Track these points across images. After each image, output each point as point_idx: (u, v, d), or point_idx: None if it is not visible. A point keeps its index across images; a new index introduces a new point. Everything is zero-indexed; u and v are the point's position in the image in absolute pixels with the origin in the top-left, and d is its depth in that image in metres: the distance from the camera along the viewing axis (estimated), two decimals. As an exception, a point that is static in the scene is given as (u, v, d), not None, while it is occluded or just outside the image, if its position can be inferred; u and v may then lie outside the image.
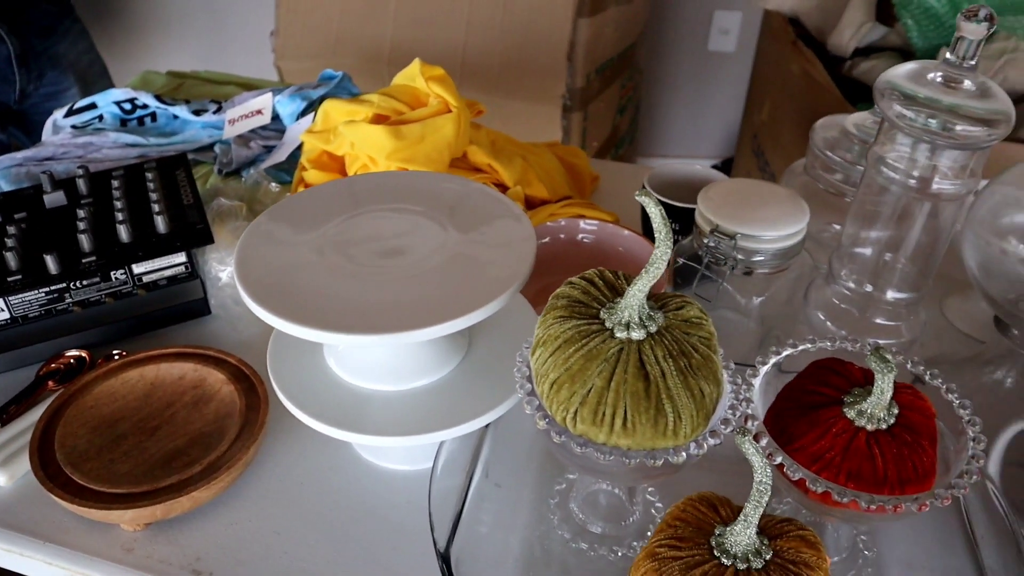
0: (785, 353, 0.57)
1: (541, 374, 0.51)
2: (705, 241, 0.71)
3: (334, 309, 0.56)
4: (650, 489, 0.65)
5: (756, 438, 0.52)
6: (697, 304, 0.53)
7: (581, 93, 1.56)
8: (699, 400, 0.49)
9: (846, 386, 0.52)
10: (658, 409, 0.48)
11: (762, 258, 0.70)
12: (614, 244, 0.85)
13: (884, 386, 0.49)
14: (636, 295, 0.49)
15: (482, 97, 1.57)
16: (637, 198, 0.48)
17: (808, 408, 0.52)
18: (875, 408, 0.50)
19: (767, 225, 0.70)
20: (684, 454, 0.49)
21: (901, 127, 0.62)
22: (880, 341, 0.73)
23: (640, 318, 0.50)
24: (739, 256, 0.70)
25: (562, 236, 0.85)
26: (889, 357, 0.48)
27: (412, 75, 0.92)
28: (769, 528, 0.52)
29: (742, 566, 0.49)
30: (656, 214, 0.48)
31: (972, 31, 0.59)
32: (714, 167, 1.07)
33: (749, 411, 0.53)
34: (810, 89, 1.27)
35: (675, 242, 0.79)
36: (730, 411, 0.52)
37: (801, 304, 0.76)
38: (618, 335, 0.49)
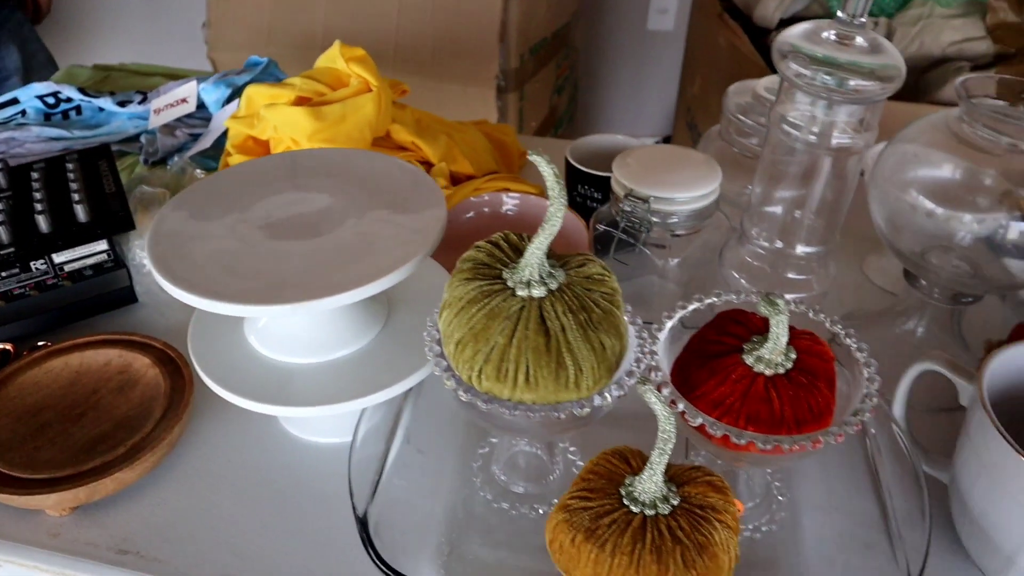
0: (691, 307, 0.59)
1: (447, 335, 0.52)
2: (621, 206, 0.73)
3: (246, 284, 0.57)
4: (571, 448, 0.67)
5: (660, 389, 0.53)
6: (600, 262, 0.54)
7: (516, 74, 1.57)
8: (600, 353, 0.50)
9: (746, 335, 0.54)
10: (559, 363, 0.49)
11: (677, 220, 0.72)
12: (537, 215, 0.86)
13: (779, 331, 0.51)
14: (535, 253, 0.50)
15: (417, 81, 1.57)
16: (530, 157, 0.49)
17: (710, 357, 0.54)
18: (772, 353, 0.52)
19: (680, 187, 0.71)
20: (589, 406, 0.51)
21: (800, 86, 0.63)
22: (791, 295, 0.75)
23: (540, 276, 0.51)
24: (654, 219, 0.72)
25: (486, 210, 0.86)
26: (779, 301, 0.50)
27: (333, 57, 0.92)
28: (678, 476, 0.54)
29: (650, 512, 0.51)
30: (548, 173, 0.49)
31: (860, -12, 0.61)
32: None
33: (654, 363, 0.54)
34: (736, 60, 1.29)
35: (594, 209, 0.80)
36: (635, 364, 0.53)
37: (718, 265, 0.77)
38: (520, 293, 0.51)
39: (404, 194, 0.65)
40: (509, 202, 0.86)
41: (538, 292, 0.50)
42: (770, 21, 1.38)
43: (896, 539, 0.56)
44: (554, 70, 1.81)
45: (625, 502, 0.51)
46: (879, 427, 0.63)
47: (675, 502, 0.51)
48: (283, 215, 0.63)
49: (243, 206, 0.64)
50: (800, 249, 0.71)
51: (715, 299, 0.60)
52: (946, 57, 1.20)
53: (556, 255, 0.54)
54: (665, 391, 0.53)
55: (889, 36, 1.23)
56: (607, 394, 0.51)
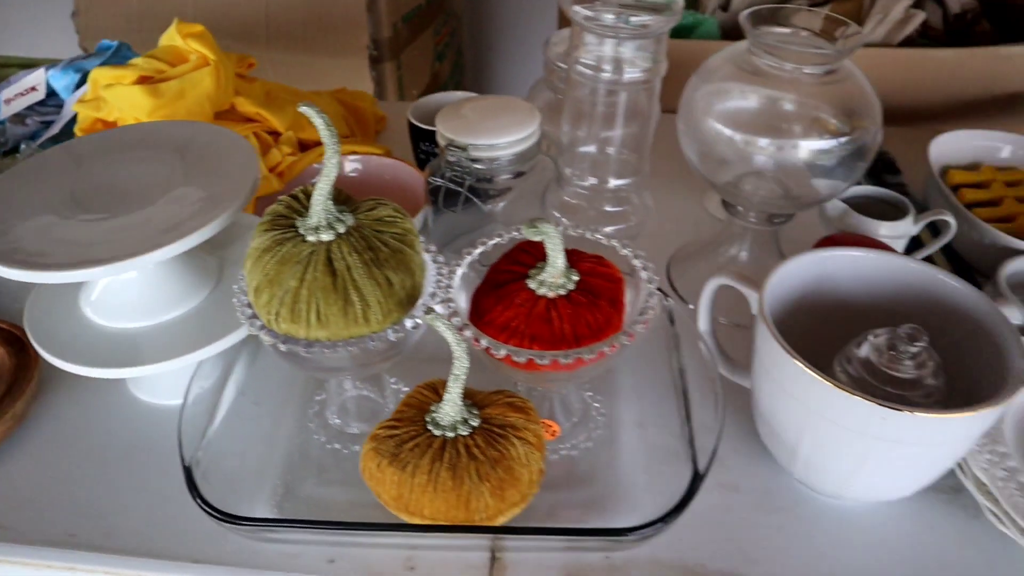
0: (493, 242, 0.62)
1: (249, 284, 0.55)
2: (446, 157, 0.76)
3: (65, 251, 0.59)
4: (404, 389, 0.70)
5: (452, 319, 0.56)
6: (392, 205, 0.57)
7: (390, 43, 1.58)
8: (387, 288, 0.54)
9: (533, 263, 0.58)
10: (346, 300, 0.53)
11: (500, 165, 0.75)
12: (380, 174, 0.89)
13: (554, 255, 0.55)
14: (318, 200, 0.53)
15: (290, 56, 1.59)
16: (299, 108, 0.52)
17: (498, 286, 0.57)
18: (552, 277, 0.56)
19: (498, 133, 0.74)
20: (382, 339, 0.54)
21: (588, 27, 0.67)
22: (611, 227, 0.79)
23: (328, 221, 0.54)
24: (478, 166, 0.75)
25: (331, 172, 0.89)
26: (540, 225, 0.53)
27: (172, 35, 0.93)
28: (481, 400, 0.58)
29: (450, 435, 0.54)
30: (320, 123, 0.52)
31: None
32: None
33: (449, 296, 0.57)
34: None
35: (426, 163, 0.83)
36: (432, 298, 0.57)
37: (541, 208, 0.81)
38: (309, 239, 0.54)
39: (219, 159, 0.67)
40: (351, 164, 0.89)
41: (326, 236, 0.53)
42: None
43: (696, 445, 0.60)
44: (432, 37, 1.83)
45: (428, 427, 0.55)
46: (689, 344, 0.67)
47: (475, 424, 0.55)
48: (101, 187, 0.65)
49: (62, 181, 0.66)
50: (613, 183, 0.75)
51: (514, 234, 0.63)
52: (788, -5, 1.25)
53: (348, 201, 0.57)
54: (456, 320, 0.56)
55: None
56: (402, 327, 0.55)
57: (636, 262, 0.59)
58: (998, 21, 1.35)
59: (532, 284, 0.56)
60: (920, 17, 1.18)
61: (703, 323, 0.67)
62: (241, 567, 0.58)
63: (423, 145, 0.91)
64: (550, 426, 0.64)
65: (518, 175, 0.77)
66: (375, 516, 0.57)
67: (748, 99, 0.72)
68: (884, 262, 0.65)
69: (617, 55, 0.67)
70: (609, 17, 0.65)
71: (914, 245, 0.87)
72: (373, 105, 1.11)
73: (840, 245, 0.68)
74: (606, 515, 0.61)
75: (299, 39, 1.56)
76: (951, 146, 0.99)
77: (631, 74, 0.68)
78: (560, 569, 0.58)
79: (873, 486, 0.60)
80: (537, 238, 0.54)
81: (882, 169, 1.01)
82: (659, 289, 0.67)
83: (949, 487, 0.64)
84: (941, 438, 0.55)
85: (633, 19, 0.65)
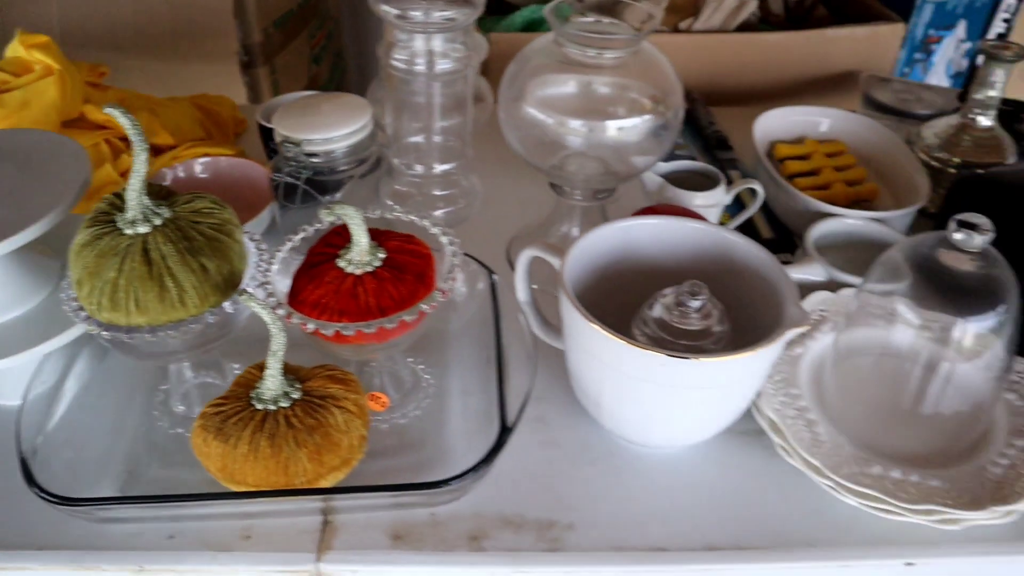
0: (313, 228, 0.67)
1: (72, 277, 0.58)
2: (283, 153, 0.79)
3: None
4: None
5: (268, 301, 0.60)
6: (211, 197, 0.61)
7: (262, 48, 1.60)
8: (202, 274, 0.57)
9: (343, 243, 0.62)
10: (162, 286, 0.56)
11: (334, 158, 0.79)
12: (230, 173, 0.92)
13: (357, 235, 0.59)
14: (132, 195, 0.57)
15: (160, 64, 1.59)
16: (105, 110, 0.55)
17: (312, 267, 0.61)
18: (357, 255, 0.60)
19: (330, 127, 0.78)
20: (201, 321, 0.58)
21: (397, 24, 0.71)
22: (444, 210, 0.84)
23: (143, 215, 0.57)
24: (313, 160, 0.79)
25: (181, 175, 0.92)
26: (336, 208, 0.58)
27: (16, 46, 0.95)
28: (305, 375, 0.62)
29: (272, 407, 0.58)
30: (125, 122, 0.55)
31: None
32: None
33: (268, 279, 0.61)
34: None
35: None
36: (251, 281, 0.61)
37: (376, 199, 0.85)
38: (127, 232, 0.57)
39: (53, 165, 0.70)
40: (199, 166, 0.92)
41: (143, 229, 0.57)
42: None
43: (508, 405, 0.65)
44: (307, 40, 1.85)
45: (252, 402, 0.59)
46: (513, 316, 0.72)
47: (296, 396, 0.59)
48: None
49: None
50: (438, 168, 0.79)
51: (319, 225, 0.67)
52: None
53: (168, 195, 0.60)
54: (271, 300, 0.60)
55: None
56: (219, 310, 0.59)
57: (443, 239, 0.64)
58: (833, 7, 1.44)
59: (341, 263, 0.60)
60: (752, 4, 1.26)
61: (521, 293, 0.72)
62: (85, 550, 0.61)
63: (271, 144, 0.95)
64: (378, 398, 0.68)
65: (356, 167, 0.81)
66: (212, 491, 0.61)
67: (561, 85, 0.78)
68: (680, 228, 0.71)
69: (429, 48, 0.72)
70: (416, 14, 0.69)
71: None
72: (232, 109, 1.14)
73: (655, 214, 0.74)
74: (432, 476, 0.65)
75: (169, 48, 1.58)
76: (777, 122, 1.06)
77: (443, 66, 0.72)
78: (388, 527, 0.62)
79: (673, 431, 0.66)
80: (337, 221, 0.58)
81: (716, 145, 1.09)
82: (484, 265, 0.72)
83: (752, 431, 0.69)
84: (725, 379, 0.61)
85: (436, 15, 0.69)
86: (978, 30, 2.62)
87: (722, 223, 0.89)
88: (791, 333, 0.59)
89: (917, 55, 2.59)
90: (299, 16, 1.81)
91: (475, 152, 0.91)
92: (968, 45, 2.64)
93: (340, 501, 0.61)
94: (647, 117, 0.76)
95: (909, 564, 0.63)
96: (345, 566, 0.60)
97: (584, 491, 0.66)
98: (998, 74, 0.92)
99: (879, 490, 0.62)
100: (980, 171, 0.88)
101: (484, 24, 1.35)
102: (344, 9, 2.24)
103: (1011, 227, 0.77)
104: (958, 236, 0.60)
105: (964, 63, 2.68)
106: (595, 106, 0.78)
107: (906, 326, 0.64)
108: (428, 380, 0.73)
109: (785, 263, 0.77)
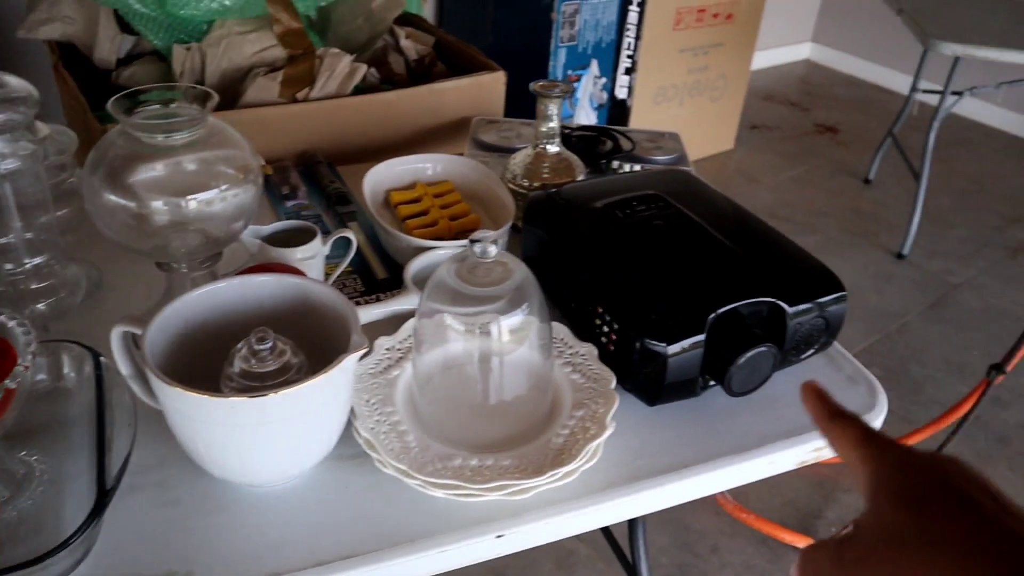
0: None
1: None
2: None
3: None
4: None
5: None
6: None
7: None
8: None
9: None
10: None
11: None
12: None
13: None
14: None
15: None
16: None
17: None
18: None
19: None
20: None
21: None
22: (42, 304, 0.86)
23: None
24: None
25: None
26: None
27: None
28: None
29: None
30: None
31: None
32: None
33: None
34: (78, 107, 1.38)
35: None
36: None
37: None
38: None
39: None
40: None
41: None
42: (110, 63, 1.49)
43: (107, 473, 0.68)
44: None
45: None
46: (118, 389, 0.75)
47: None
48: None
49: None
50: (30, 262, 0.82)
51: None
52: (252, 66, 1.39)
53: None
54: None
55: (203, 60, 1.39)
56: None
57: (19, 330, 0.66)
58: (450, 63, 1.59)
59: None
60: (363, 69, 1.36)
61: (123, 368, 0.75)
62: None
63: None
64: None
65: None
66: None
67: (144, 170, 0.82)
68: (261, 283, 0.77)
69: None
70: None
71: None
72: None
73: (256, 272, 0.80)
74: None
75: None
76: (389, 173, 1.16)
77: (7, 165, 0.75)
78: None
79: (275, 466, 0.72)
80: None
81: (336, 201, 1.17)
82: (89, 348, 0.75)
83: (359, 452, 0.77)
84: (304, 407, 0.68)
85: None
86: (610, 65, 2.94)
87: (328, 273, 0.97)
88: (350, 358, 0.68)
89: (563, 92, 2.85)
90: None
91: (92, 239, 0.93)
92: (604, 80, 2.96)
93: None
94: (224, 187, 0.82)
95: (500, 536, 0.73)
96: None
97: (203, 539, 0.70)
98: (552, 108, 1.07)
99: (460, 479, 0.71)
100: (548, 190, 1.02)
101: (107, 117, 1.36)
102: None
103: (564, 229, 0.91)
104: (477, 250, 0.71)
105: (604, 95, 3.00)
106: (183, 183, 0.83)
107: (457, 333, 0.74)
108: (43, 469, 0.74)
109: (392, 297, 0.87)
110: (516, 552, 0.74)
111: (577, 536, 1.70)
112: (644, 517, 1.21)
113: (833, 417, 0.52)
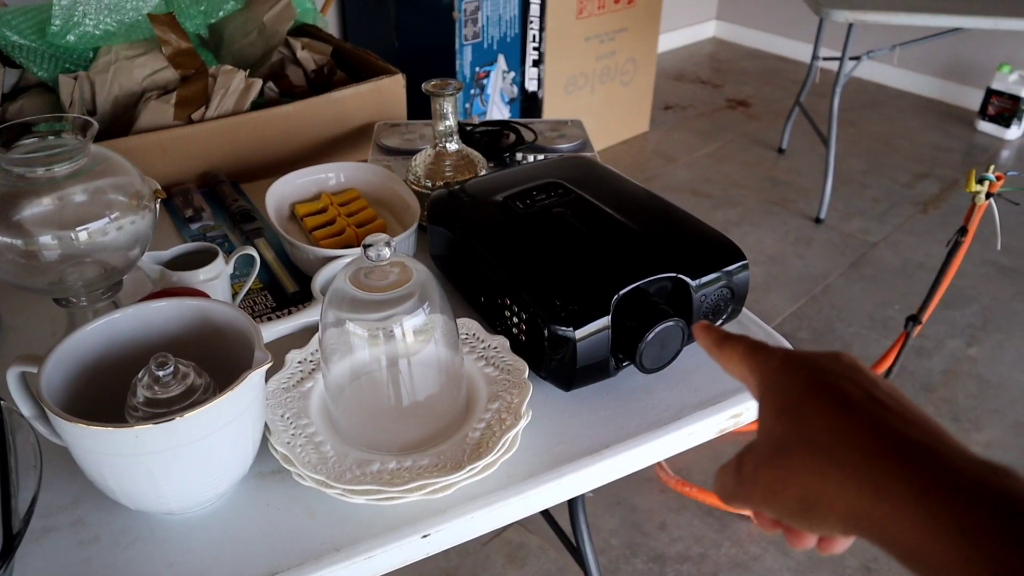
0: None
1: None
2: None
3: None
4: None
5: None
6: None
7: None
8: None
9: None
10: None
11: None
12: None
13: None
14: None
15: None
16: None
17: None
18: None
19: None
20: None
21: None
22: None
23: None
24: None
25: None
26: None
27: None
28: None
29: None
30: None
31: None
32: None
33: None
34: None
35: None
36: None
37: None
38: None
39: None
40: None
41: None
42: (-6, 100, 1.45)
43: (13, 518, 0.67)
44: None
45: None
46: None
47: None
48: None
49: None
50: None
51: None
52: (144, 90, 1.36)
53: None
54: None
55: (93, 88, 1.36)
56: None
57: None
58: (350, 70, 1.58)
59: None
60: (258, 84, 1.35)
61: (24, 409, 0.74)
62: None
63: None
64: None
65: None
66: None
67: (29, 206, 0.81)
68: (160, 308, 0.76)
69: None
70: None
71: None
72: None
73: (155, 298, 0.79)
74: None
75: None
76: (292, 186, 1.15)
77: None
78: None
79: (191, 491, 0.71)
80: None
81: (240, 219, 1.16)
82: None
83: (277, 469, 0.76)
84: (213, 427, 0.67)
85: None
86: (517, 59, 2.95)
87: (235, 291, 0.96)
88: (255, 373, 0.67)
89: (473, 91, 2.86)
90: None
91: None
92: (513, 74, 2.97)
93: None
94: (116, 215, 0.81)
95: (425, 536, 0.73)
96: None
97: (127, 574, 0.69)
98: (447, 107, 1.07)
99: (379, 483, 0.71)
100: (450, 187, 1.02)
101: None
102: None
103: (467, 225, 0.91)
104: (371, 255, 0.70)
105: (515, 89, 3.01)
106: (73, 215, 0.81)
107: (362, 340, 0.74)
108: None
109: (302, 310, 0.86)
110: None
111: (526, 528, 1.72)
112: (583, 500, 1.22)
113: (721, 341, 0.53)
